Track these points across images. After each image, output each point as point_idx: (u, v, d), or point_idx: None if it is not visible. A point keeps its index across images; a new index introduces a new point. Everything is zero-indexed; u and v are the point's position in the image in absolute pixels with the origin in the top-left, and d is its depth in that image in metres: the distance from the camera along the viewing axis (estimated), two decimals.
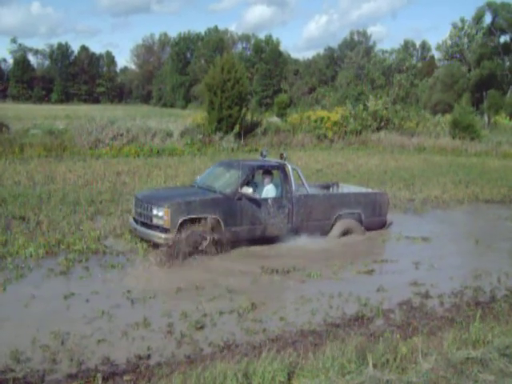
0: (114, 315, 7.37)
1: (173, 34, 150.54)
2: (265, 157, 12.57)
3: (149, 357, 6.24)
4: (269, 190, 11.33)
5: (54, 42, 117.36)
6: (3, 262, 9.46)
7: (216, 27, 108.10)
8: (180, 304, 7.81)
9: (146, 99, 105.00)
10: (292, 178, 11.24)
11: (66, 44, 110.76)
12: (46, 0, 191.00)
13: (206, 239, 9.90)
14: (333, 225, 11.71)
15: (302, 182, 11.74)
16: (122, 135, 26.55)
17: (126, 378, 5.74)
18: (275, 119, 38.82)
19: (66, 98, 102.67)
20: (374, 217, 12.33)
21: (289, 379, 5.24)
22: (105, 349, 6.42)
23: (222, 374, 5.15)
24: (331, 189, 13.86)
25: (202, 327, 7.05)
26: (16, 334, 6.83)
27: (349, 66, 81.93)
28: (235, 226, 10.49)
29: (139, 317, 7.27)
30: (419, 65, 78.89)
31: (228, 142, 28.15)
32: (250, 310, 7.63)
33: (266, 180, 11.48)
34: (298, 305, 7.95)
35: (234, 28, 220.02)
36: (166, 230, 9.91)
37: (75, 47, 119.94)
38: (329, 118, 34.13)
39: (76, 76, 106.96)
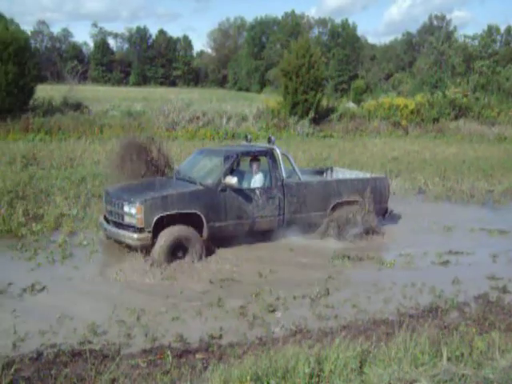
0: (190, 295, 7.59)
1: (249, 18, 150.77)
2: (250, 141, 11.67)
3: (221, 337, 6.35)
4: (258, 179, 10.22)
5: (135, 26, 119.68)
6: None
7: (293, 11, 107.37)
8: (254, 287, 7.91)
9: (222, 83, 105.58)
10: (282, 165, 10.08)
11: (145, 28, 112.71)
12: None
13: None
14: (329, 216, 10.48)
15: (293, 168, 10.48)
16: (197, 118, 26.93)
17: (198, 356, 5.85)
18: (351, 105, 38.36)
19: (144, 80, 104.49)
20: (374, 204, 10.83)
21: (360, 367, 5.19)
22: (178, 326, 6.59)
23: (295, 357, 5.16)
24: (325, 174, 12.72)
25: (274, 310, 7.12)
26: (95, 308, 7.12)
27: (428, 52, 79.72)
28: (219, 221, 9.26)
29: (214, 297, 7.43)
30: (503, 51, 75.90)
31: (303, 126, 28.07)
32: (323, 295, 7.64)
33: (255, 168, 10.32)
34: (371, 293, 7.87)
35: (312, 12, 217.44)
36: (139, 230, 8.66)
37: (154, 31, 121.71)
38: (406, 105, 33.45)
39: (153, 59, 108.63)
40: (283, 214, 9.97)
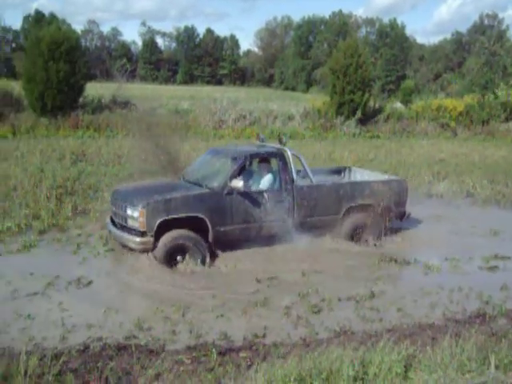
0: (235, 293, 7.64)
1: (296, 17, 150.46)
2: (263, 141, 11.07)
3: (265, 336, 6.37)
4: (267, 181, 9.72)
5: (183, 25, 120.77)
6: None
7: (340, 11, 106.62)
8: (300, 287, 7.90)
9: (268, 82, 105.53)
10: (292, 166, 9.65)
11: (193, 27, 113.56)
12: None
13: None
14: (341, 220, 10.08)
15: (305, 170, 10.07)
16: (244, 117, 27.02)
17: (242, 354, 5.87)
18: (398, 105, 37.90)
19: (191, 79, 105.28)
20: (391, 208, 10.43)
21: (405, 371, 5.13)
22: (223, 324, 6.64)
23: (339, 359, 5.14)
24: (342, 174, 12.23)
25: (318, 311, 7.11)
26: (140, 303, 7.26)
27: (479, 52, 78.15)
28: (225, 225, 8.94)
29: (260, 296, 7.47)
30: None
31: (349, 127, 27.89)
32: (368, 298, 7.60)
33: (264, 169, 9.90)
34: (417, 297, 7.77)
35: (360, 12, 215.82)
36: (141, 234, 8.49)
37: (202, 30, 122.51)
38: (455, 107, 32.87)
39: (200, 58, 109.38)
40: (293, 217, 9.56)
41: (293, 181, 9.59)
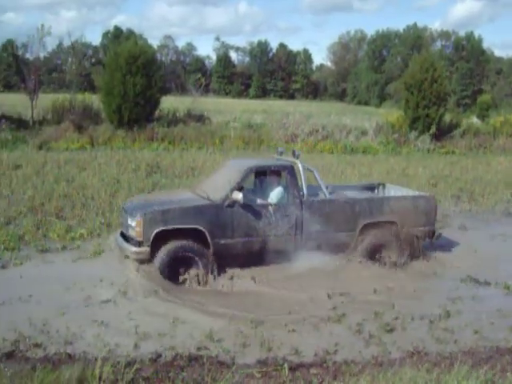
0: (308, 308, 7.58)
1: (370, 31, 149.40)
2: (281, 154, 10.66)
3: (336, 353, 6.28)
4: (276, 195, 9.37)
5: (256, 39, 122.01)
6: None
7: (415, 24, 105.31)
8: (371, 305, 7.76)
9: (341, 96, 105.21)
10: (303, 181, 9.31)
11: (266, 41, 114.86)
12: None
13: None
14: (358, 238, 9.54)
15: (319, 184, 9.77)
16: (317, 131, 26.96)
17: (312, 371, 5.81)
18: (475, 120, 36.93)
19: (263, 93, 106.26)
20: (415, 226, 9.78)
21: None
22: (294, 339, 6.59)
23: (412, 381, 5.02)
24: (376, 191, 11.58)
25: (391, 330, 6.96)
26: (211, 315, 7.29)
27: None
28: (225, 238, 8.68)
29: (331, 313, 7.39)
30: None
31: (423, 142, 27.34)
32: (443, 318, 7.37)
33: (274, 183, 9.56)
34: (495, 319, 7.46)
35: (436, 25, 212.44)
36: (138, 244, 8.38)
37: (274, 44, 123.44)
38: None
39: (273, 72, 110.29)
40: (301, 233, 9.15)
41: (302, 195, 9.23)
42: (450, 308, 7.71)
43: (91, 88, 50.39)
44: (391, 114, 32.48)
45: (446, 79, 30.75)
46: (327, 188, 9.97)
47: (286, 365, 5.78)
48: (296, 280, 8.59)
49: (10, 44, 70.98)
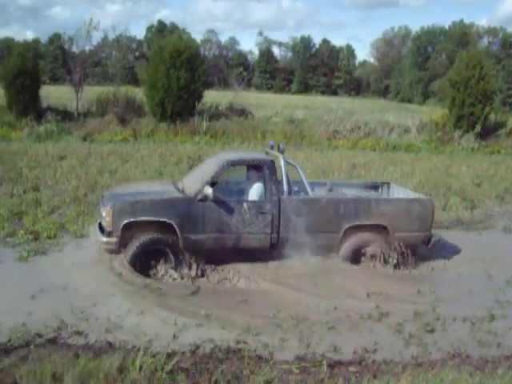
0: (347, 306, 7.49)
1: (414, 27, 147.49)
2: (272, 148, 10.12)
3: (375, 351, 6.23)
4: (255, 191, 8.95)
5: (299, 34, 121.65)
6: None
7: (461, 21, 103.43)
8: (412, 304, 7.64)
9: (384, 93, 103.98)
10: (284, 177, 8.93)
11: (309, 37, 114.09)
12: None
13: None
14: (342, 240, 9.02)
15: (302, 181, 9.28)
16: (359, 128, 26.77)
17: (351, 369, 5.79)
18: None
19: (305, 88, 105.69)
20: (409, 231, 9.20)
21: None
22: (333, 336, 6.55)
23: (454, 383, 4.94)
24: (380, 190, 10.97)
25: (432, 330, 6.85)
26: (253, 312, 7.26)
27: None
28: (195, 233, 8.45)
29: (371, 311, 7.31)
30: None
31: (468, 141, 26.87)
32: (486, 320, 7.21)
33: (252, 178, 9.18)
34: None
35: (483, 21, 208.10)
36: (108, 233, 8.34)
37: (317, 40, 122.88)
38: None
39: (316, 68, 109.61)
40: (277, 232, 8.77)
41: (281, 192, 8.85)
42: (495, 311, 7.53)
43: (134, 81, 50.96)
44: (435, 111, 31.99)
45: (493, 77, 30.14)
46: (326, 185, 9.88)
47: (324, 361, 5.76)
48: (333, 277, 8.56)
49: (56, 37, 72.59)
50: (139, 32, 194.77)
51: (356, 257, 9.02)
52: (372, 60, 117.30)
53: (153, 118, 26.68)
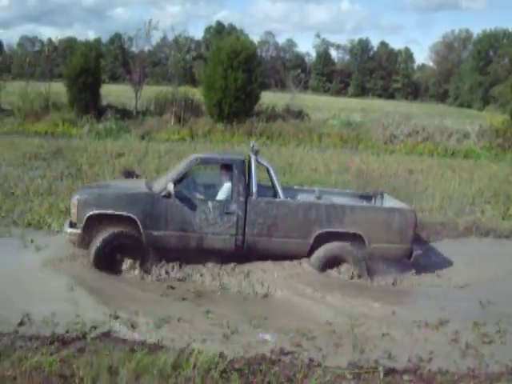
0: (402, 315, 7.42)
1: (476, 30, 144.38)
2: (253, 149, 9.32)
3: (430, 360, 6.11)
4: (224, 191, 8.76)
5: (357, 37, 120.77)
6: None
7: None
8: (471, 314, 7.51)
9: (442, 98, 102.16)
10: (253, 177, 8.65)
11: (367, 39, 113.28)
12: None
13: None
14: (312, 247, 8.65)
15: (273, 183, 9.06)
16: (417, 133, 26.40)
17: (405, 377, 5.71)
18: None
19: (362, 91, 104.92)
20: (388, 243, 8.68)
21: None
22: (387, 343, 6.47)
23: None
24: (373, 200, 10.36)
25: (490, 342, 6.66)
26: (305, 314, 7.29)
27: None
28: (158, 230, 8.36)
29: (428, 319, 7.16)
30: None
31: None
32: None
33: (223, 177, 8.97)
34: None
35: None
36: (73, 225, 8.44)
37: (375, 43, 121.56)
38: None
39: (373, 71, 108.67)
40: (243, 234, 8.53)
41: (248, 193, 8.59)
42: None
43: (192, 81, 51.46)
44: (495, 117, 31.26)
45: None
46: (315, 192, 9.79)
47: (381, 369, 5.69)
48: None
49: (117, 38, 74.05)
50: (198, 33, 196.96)
51: (326, 266, 8.68)
52: (431, 64, 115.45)
53: (210, 119, 26.96)
